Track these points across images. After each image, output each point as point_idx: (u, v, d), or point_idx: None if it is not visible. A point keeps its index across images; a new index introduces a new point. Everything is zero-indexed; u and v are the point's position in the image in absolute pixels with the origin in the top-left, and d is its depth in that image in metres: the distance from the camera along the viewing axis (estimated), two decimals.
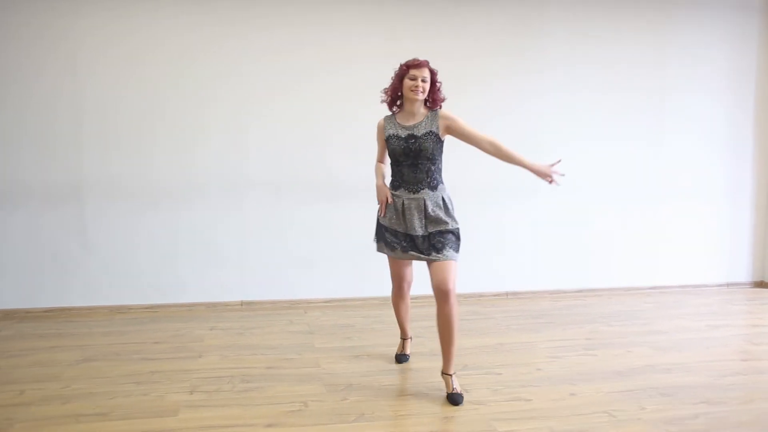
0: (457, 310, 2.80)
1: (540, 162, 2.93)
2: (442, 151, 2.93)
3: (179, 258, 4.45)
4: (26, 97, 4.18)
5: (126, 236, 4.37)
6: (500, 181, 4.87)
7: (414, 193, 2.87)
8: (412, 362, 3.36)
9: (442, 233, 2.83)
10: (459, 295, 4.76)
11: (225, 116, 4.44)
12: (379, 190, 3.01)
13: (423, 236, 2.85)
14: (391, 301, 3.32)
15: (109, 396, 2.83)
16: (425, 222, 2.85)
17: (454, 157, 4.71)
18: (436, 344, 3.65)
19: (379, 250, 3.06)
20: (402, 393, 2.93)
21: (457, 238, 2.88)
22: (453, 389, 2.82)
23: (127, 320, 4.18)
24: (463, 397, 2.80)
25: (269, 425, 2.54)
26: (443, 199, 2.89)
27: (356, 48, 4.57)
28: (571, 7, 4.89)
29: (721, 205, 5.33)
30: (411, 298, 3.34)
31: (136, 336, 3.79)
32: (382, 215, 2.98)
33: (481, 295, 4.94)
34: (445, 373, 2.88)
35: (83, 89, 4.25)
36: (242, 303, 4.56)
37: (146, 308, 4.40)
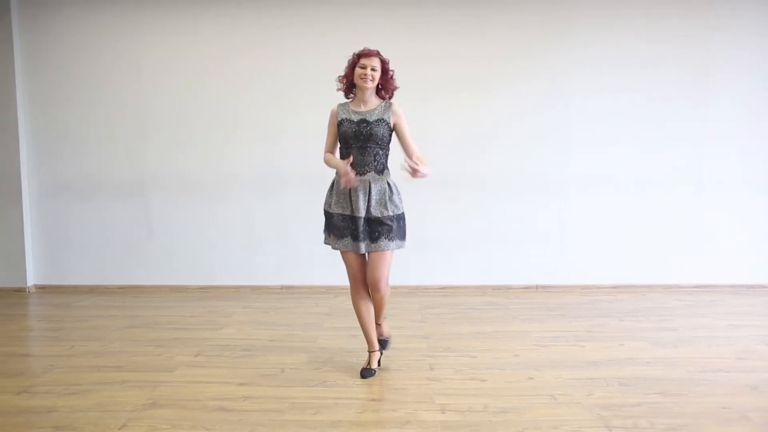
0: (387, 294, 3.15)
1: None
2: (390, 140, 3.05)
3: (229, 245, 5.05)
4: (95, 102, 4.98)
5: (184, 225, 5.05)
6: (531, 172, 4.96)
7: (361, 175, 2.97)
8: (399, 342, 3.61)
9: (381, 222, 2.98)
10: (487, 287, 4.98)
11: (263, 118, 4.97)
12: (339, 164, 3.00)
13: (365, 219, 2.97)
14: (353, 304, 3.17)
15: (131, 354, 3.43)
16: (368, 204, 2.97)
17: (488, 151, 4.93)
18: (432, 328, 3.93)
19: (326, 242, 3.11)
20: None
21: (399, 224, 3.01)
22: (380, 334, 3.27)
23: (181, 298, 4.84)
24: (387, 341, 3.29)
25: (241, 384, 2.98)
26: (388, 184, 3.02)
27: (383, 50, 4.87)
28: (598, 7, 4.85)
29: None
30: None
31: (180, 311, 4.42)
32: (349, 185, 2.94)
33: (509, 287, 5.06)
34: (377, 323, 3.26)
35: (146, 96, 4.97)
36: (282, 287, 5.08)
37: (200, 288, 5.06)
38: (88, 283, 5.10)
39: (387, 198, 3.00)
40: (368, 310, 3.14)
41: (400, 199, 3.08)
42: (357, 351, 3.48)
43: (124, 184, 5.03)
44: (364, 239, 3.00)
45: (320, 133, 4.91)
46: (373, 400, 2.80)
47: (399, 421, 2.57)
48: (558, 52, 4.91)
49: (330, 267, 4.99)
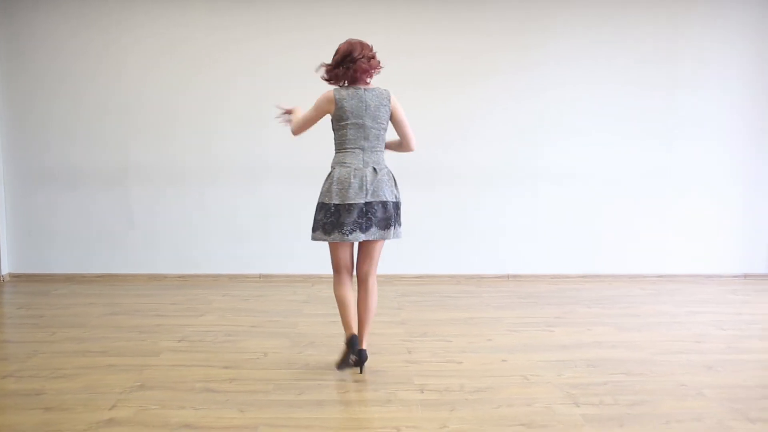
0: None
1: None
2: (332, 128, 3.04)
3: (208, 234, 5.11)
4: (81, 94, 4.98)
5: (164, 215, 5.09)
6: (504, 165, 5.14)
7: None
8: (377, 328, 3.72)
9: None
10: (460, 276, 5.14)
11: (247, 109, 5.03)
12: None
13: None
14: (336, 295, 3.07)
15: (114, 340, 3.48)
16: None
17: (463, 144, 5.08)
18: (408, 314, 4.06)
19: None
20: None
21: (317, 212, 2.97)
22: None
23: (160, 286, 4.89)
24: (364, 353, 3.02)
25: (226, 367, 3.07)
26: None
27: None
28: (576, 2, 5.04)
29: (737, 192, 5.26)
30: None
31: (160, 298, 4.48)
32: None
33: (482, 276, 5.23)
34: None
35: (129, 87, 4.99)
36: (260, 276, 5.16)
37: (178, 277, 5.10)
38: (65, 271, 5.10)
39: None
40: (354, 299, 3.07)
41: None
42: (336, 335, 3.58)
43: (104, 173, 5.04)
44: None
45: None
46: (355, 381, 2.92)
47: (380, 400, 2.69)
48: (531, 47, 5.08)
49: (307, 256, 5.13)
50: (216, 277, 5.12)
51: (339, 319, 3.47)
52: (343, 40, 3.10)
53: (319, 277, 5.13)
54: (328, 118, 3.08)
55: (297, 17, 4.98)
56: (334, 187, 2.91)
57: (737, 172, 5.24)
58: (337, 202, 2.90)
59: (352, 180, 2.90)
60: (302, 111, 3.17)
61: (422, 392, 2.78)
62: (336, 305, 3.11)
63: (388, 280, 5.06)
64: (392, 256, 5.02)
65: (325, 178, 3.02)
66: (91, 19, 4.94)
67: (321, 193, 2.98)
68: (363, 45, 3.01)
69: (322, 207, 2.96)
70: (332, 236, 2.93)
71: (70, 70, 4.97)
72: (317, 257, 5.05)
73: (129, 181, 5.05)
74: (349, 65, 2.96)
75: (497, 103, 5.11)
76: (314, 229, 3.00)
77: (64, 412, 2.54)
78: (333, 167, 3.00)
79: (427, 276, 5.20)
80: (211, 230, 5.12)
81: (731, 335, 3.69)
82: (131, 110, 5.01)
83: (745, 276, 5.33)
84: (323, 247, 4.77)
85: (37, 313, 4.05)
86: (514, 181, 5.18)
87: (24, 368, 3.03)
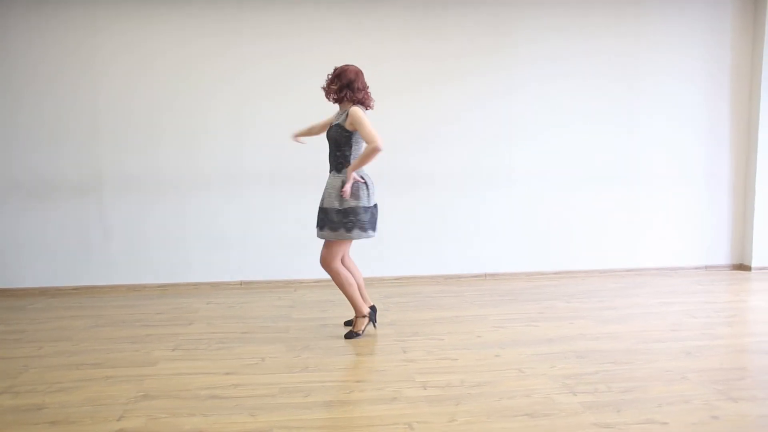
0: (336, 277, 3.59)
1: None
2: (349, 141, 3.54)
3: (186, 242, 5.07)
4: (47, 101, 4.87)
5: (140, 224, 5.01)
6: (478, 166, 5.28)
7: (329, 171, 3.65)
8: (368, 329, 3.82)
9: (326, 212, 3.53)
10: (440, 276, 5.25)
11: (226, 116, 5.02)
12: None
13: (319, 209, 3.62)
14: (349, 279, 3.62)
15: (106, 351, 3.44)
16: (322, 196, 3.61)
17: (437, 147, 5.20)
18: (396, 315, 4.15)
19: (362, 236, 3.55)
20: (349, 352, 3.42)
21: (343, 217, 3.47)
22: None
23: (140, 296, 4.82)
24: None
25: (227, 373, 3.08)
26: (343, 183, 3.49)
27: (342, 51, 5.03)
28: (540, 3, 5.23)
29: (698, 188, 5.56)
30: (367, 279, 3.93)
31: (143, 308, 4.42)
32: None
33: (460, 276, 5.36)
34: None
35: (99, 94, 4.91)
36: (241, 282, 5.14)
37: (157, 286, 5.04)
38: (37, 285, 4.97)
39: (336, 193, 3.55)
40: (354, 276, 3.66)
41: (364, 192, 3.57)
42: (331, 338, 3.64)
43: (78, 182, 4.94)
44: (317, 225, 3.68)
45: (283, 132, 5.02)
46: (358, 381, 2.99)
47: (386, 398, 2.76)
48: (502, 50, 5.25)
49: (289, 262, 5.15)
50: (197, 285, 5.08)
51: (331, 321, 3.92)
52: (320, 47, 3.52)
53: (300, 282, 5.16)
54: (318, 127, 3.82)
55: (278, 25, 5.01)
56: (371, 192, 3.54)
57: (697, 165, 5.53)
58: (374, 203, 3.58)
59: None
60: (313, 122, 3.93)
61: (425, 389, 2.86)
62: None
63: (369, 282, 5.12)
64: (372, 258, 5.13)
65: (359, 187, 3.49)
66: (70, 27, 4.84)
67: (362, 198, 3.49)
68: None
69: (366, 210, 3.50)
70: (368, 232, 3.53)
71: (39, 75, 4.85)
72: (297, 263, 5.12)
73: (104, 189, 4.96)
74: (365, 90, 3.60)
75: (468, 106, 5.24)
76: (363, 229, 3.50)
77: (71, 425, 2.51)
78: (365, 176, 3.55)
79: (407, 277, 5.29)
80: (190, 238, 5.08)
81: (703, 323, 3.91)
82: (106, 117, 4.93)
83: (707, 268, 5.63)
84: (304, 252, 4.93)
85: (18, 329, 3.95)
86: (488, 182, 5.33)
87: (18, 384, 2.97)
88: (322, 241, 3.62)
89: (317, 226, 3.59)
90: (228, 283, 5.12)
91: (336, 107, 3.76)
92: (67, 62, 4.86)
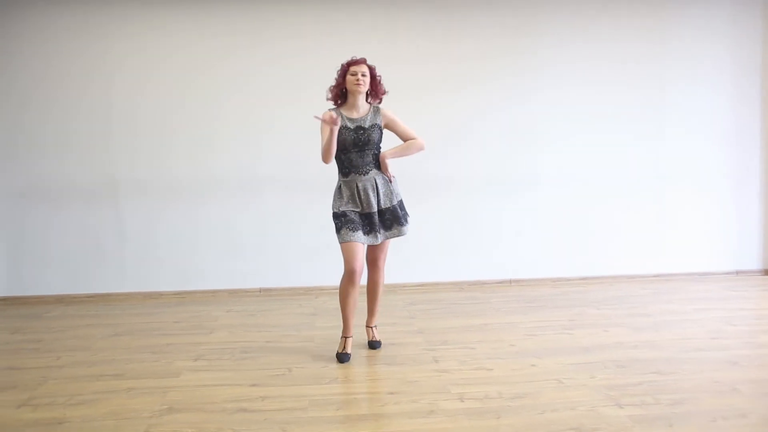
0: (383, 277, 3.47)
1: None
2: (381, 140, 3.37)
3: (204, 249, 4.95)
4: (73, 110, 4.78)
5: (157, 230, 4.91)
6: (501, 171, 5.15)
7: (365, 174, 3.28)
8: (396, 337, 3.69)
9: (391, 210, 3.31)
10: (463, 283, 5.12)
11: (241, 120, 4.92)
12: (325, 130, 3.20)
13: (377, 212, 3.28)
14: (340, 293, 3.30)
15: (127, 362, 3.32)
16: (378, 198, 3.28)
17: (460, 151, 5.07)
18: (423, 323, 4.01)
19: (343, 239, 3.20)
20: (378, 362, 3.28)
21: (402, 208, 3.38)
22: (373, 337, 3.55)
23: (157, 304, 4.71)
24: (380, 343, 3.53)
25: (253, 385, 2.95)
26: (384, 177, 3.35)
27: (357, 52, 4.90)
28: (565, 5, 5.11)
29: (727, 192, 5.40)
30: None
31: (161, 317, 4.31)
32: (343, 201, 3.29)
33: (484, 283, 5.21)
34: (368, 326, 3.57)
35: (120, 99, 4.82)
36: (260, 290, 5.02)
37: (174, 294, 4.93)
38: (53, 293, 4.86)
39: (389, 188, 3.33)
40: (355, 300, 3.33)
41: (397, 185, 3.41)
42: (357, 346, 3.51)
43: (94, 188, 4.84)
44: (380, 230, 3.29)
45: (300, 135, 4.94)
46: (391, 393, 2.85)
47: (423, 411, 2.63)
48: (525, 52, 5.12)
49: (308, 268, 5.03)
50: (214, 293, 4.96)
51: (355, 329, 3.65)
52: (336, 48, 3.29)
53: (321, 289, 5.03)
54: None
55: (291, 25, 4.91)
56: None
57: (726, 170, 5.38)
58: None
59: None
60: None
61: (462, 401, 2.73)
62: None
63: (393, 289, 5.00)
64: (395, 265, 4.98)
65: (395, 182, 3.39)
66: (82, 30, 4.76)
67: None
68: None
69: None
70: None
71: (48, 78, 4.77)
72: (317, 270, 4.99)
73: (120, 196, 4.86)
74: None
75: (492, 109, 5.12)
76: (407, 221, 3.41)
77: None
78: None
79: (430, 284, 5.15)
80: (207, 245, 4.97)
81: (743, 331, 3.76)
82: (122, 121, 4.84)
83: (737, 273, 5.46)
84: (324, 258, 4.76)
85: (35, 338, 3.84)
86: (512, 186, 5.19)
87: (37, 396, 2.86)
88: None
89: (377, 230, 3.25)
90: (247, 291, 5.00)
91: (325, 103, 3.44)
92: (77, 65, 4.78)
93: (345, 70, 3.30)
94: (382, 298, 3.56)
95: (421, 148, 3.40)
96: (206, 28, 4.85)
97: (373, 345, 3.51)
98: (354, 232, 3.21)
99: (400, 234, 3.32)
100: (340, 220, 3.27)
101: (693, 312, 4.22)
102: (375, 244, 3.30)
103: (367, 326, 3.59)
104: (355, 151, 3.27)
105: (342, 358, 3.29)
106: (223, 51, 4.87)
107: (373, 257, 3.41)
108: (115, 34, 4.79)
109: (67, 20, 4.75)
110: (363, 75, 3.26)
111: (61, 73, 4.77)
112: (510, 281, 5.25)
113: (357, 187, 3.26)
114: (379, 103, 3.42)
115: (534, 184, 5.20)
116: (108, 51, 4.79)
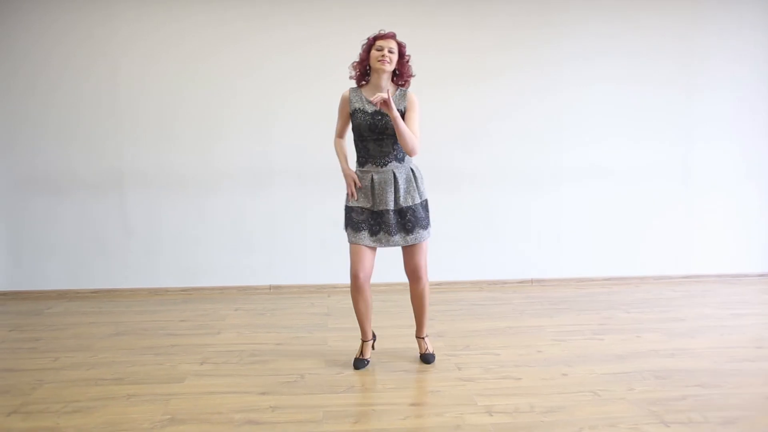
0: (428, 287, 3.04)
1: None
2: None
3: (212, 243, 4.74)
4: (77, 97, 4.57)
5: (163, 224, 4.70)
6: (524, 166, 4.90)
7: (382, 166, 2.89)
8: (415, 341, 3.44)
9: (413, 210, 2.90)
10: (483, 282, 4.88)
11: (251, 110, 4.69)
12: (346, 175, 2.96)
13: (394, 211, 2.90)
14: (351, 296, 3.04)
15: (128, 364, 3.11)
16: (396, 195, 2.89)
17: (481, 145, 4.82)
18: (443, 326, 3.78)
19: (348, 239, 2.96)
20: (397, 368, 3.05)
21: (426, 210, 2.99)
22: (426, 350, 3.16)
23: (162, 301, 4.51)
24: (434, 356, 3.15)
25: (263, 393, 2.73)
26: (411, 170, 2.95)
27: None
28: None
29: (758, 191, 5.11)
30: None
31: (166, 315, 4.10)
32: (354, 199, 2.94)
33: (505, 282, 4.97)
34: (418, 337, 3.19)
35: (124, 87, 4.60)
36: (270, 287, 4.81)
37: (181, 290, 4.72)
38: (55, 288, 4.67)
39: (413, 185, 2.93)
40: (365, 302, 3.02)
41: (423, 183, 3.00)
42: (374, 353, 3.28)
43: (97, 180, 4.63)
44: (397, 232, 2.91)
45: (311, 125, 4.71)
46: (412, 404, 2.62)
47: (448, 426, 2.40)
48: (550, 44, 4.86)
49: (321, 265, 4.80)
50: (223, 290, 4.75)
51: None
52: (349, 35, 2.93)
53: (334, 287, 4.81)
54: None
55: (301, 11, 4.66)
56: None
57: (754, 170, 5.09)
58: None
59: None
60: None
61: (491, 415, 2.49)
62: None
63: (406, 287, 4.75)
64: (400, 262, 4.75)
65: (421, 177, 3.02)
66: (84, 15, 4.54)
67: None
68: None
69: None
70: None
71: (51, 65, 4.56)
72: (330, 266, 4.76)
73: (125, 187, 4.65)
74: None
75: (516, 103, 4.86)
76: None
77: None
78: (414, 168, 3.02)
79: (449, 283, 4.91)
80: (215, 239, 4.75)
81: None
82: (127, 110, 4.62)
83: None
84: (337, 255, 4.50)
85: (33, 336, 3.64)
86: (534, 183, 4.94)
87: (30, 402, 2.65)
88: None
89: (397, 232, 2.90)
90: (256, 288, 4.79)
91: (338, 92, 3.10)
92: (82, 52, 4.56)
93: (370, 44, 2.89)
94: (427, 302, 3.11)
95: (413, 146, 2.80)
96: (215, 13, 4.62)
97: (426, 359, 3.11)
98: (357, 232, 2.91)
99: (417, 240, 2.91)
100: (348, 215, 2.97)
101: (730, 317, 3.95)
102: (385, 247, 2.94)
103: (417, 337, 3.19)
104: (372, 139, 2.88)
105: (357, 364, 3.04)
106: (232, 37, 4.64)
107: (411, 268, 2.98)
108: (120, 18, 4.57)
109: (71, 3, 4.53)
110: (390, 51, 2.84)
111: (66, 58, 4.56)
112: (531, 281, 5.00)
113: (373, 180, 2.90)
114: (406, 86, 2.99)
115: (557, 181, 4.95)
116: (113, 36, 4.58)
